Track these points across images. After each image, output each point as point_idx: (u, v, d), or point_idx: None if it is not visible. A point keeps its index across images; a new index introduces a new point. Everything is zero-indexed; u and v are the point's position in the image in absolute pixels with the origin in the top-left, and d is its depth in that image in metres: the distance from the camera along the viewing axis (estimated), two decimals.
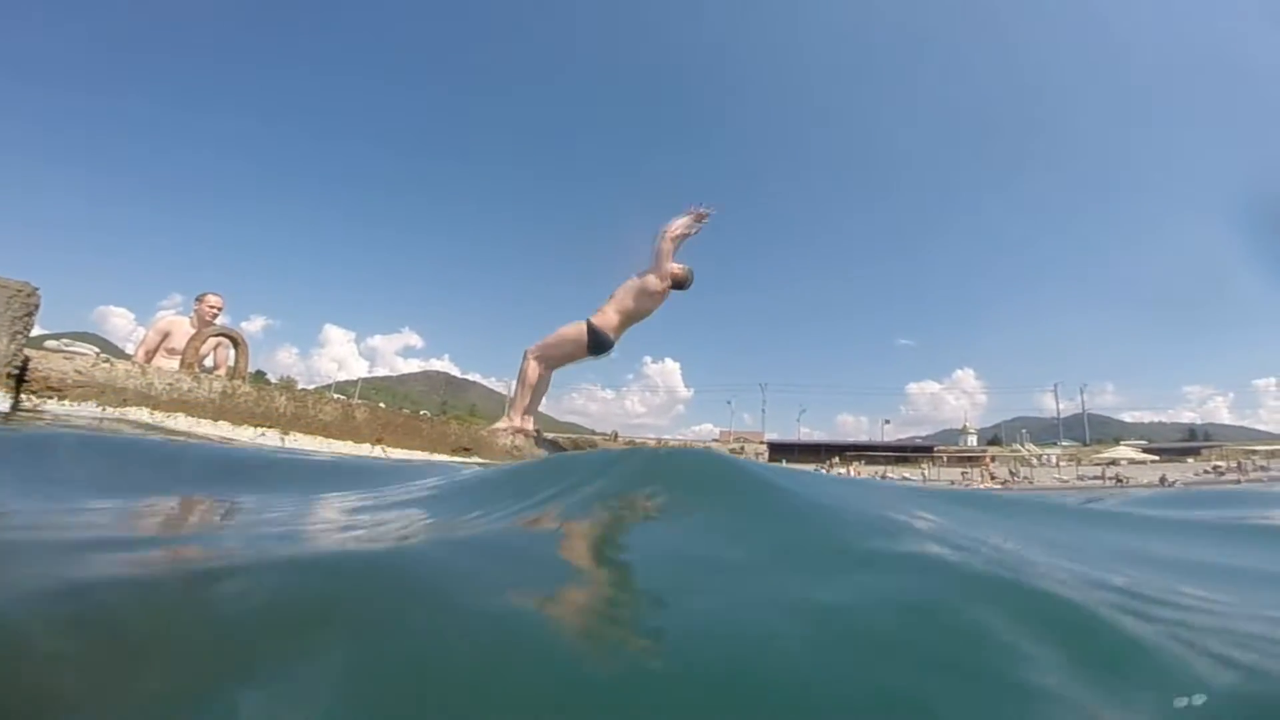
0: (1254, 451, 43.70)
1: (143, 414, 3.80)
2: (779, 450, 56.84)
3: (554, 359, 5.84)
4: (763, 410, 70.63)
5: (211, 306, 6.53)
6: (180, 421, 3.94)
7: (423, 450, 6.78)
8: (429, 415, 7.33)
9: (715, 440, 67.09)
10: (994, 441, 65.15)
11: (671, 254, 5.55)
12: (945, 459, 50.47)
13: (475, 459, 7.20)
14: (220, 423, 4.13)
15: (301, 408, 4.92)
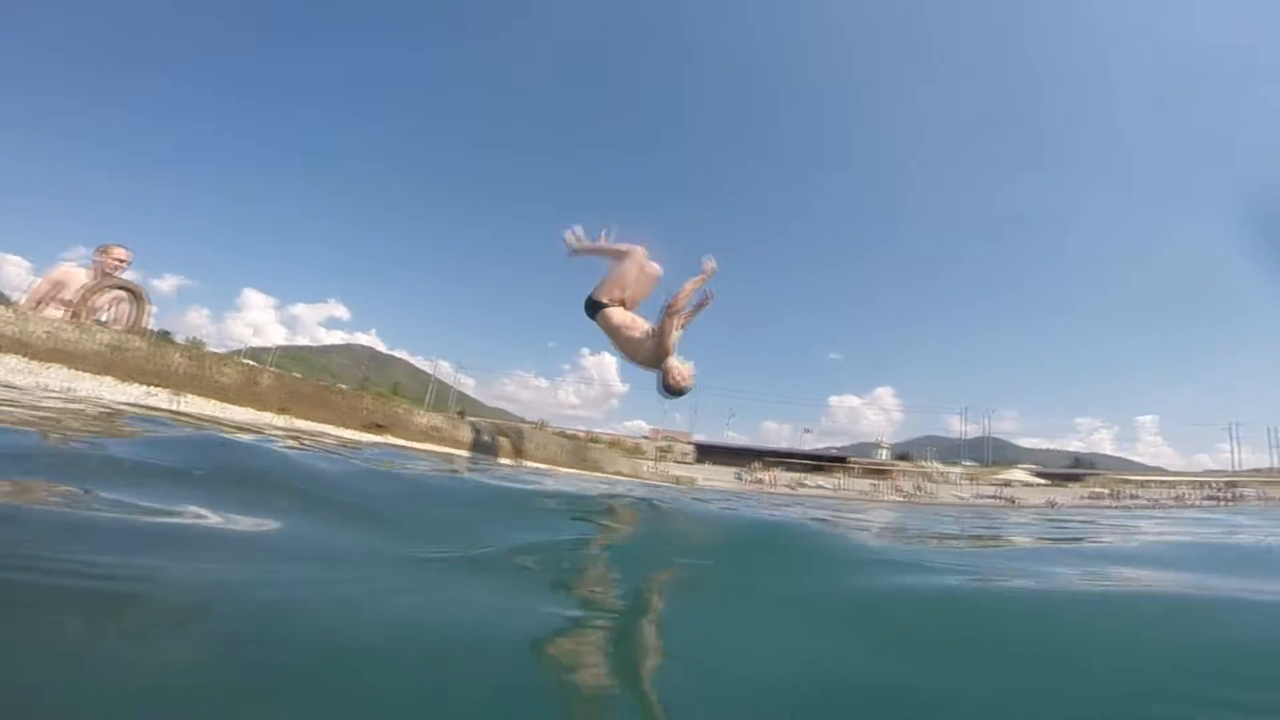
0: (1128, 480, 48.28)
1: (12, 361, 3.52)
2: (705, 451, 57.96)
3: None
4: (694, 410, 71.66)
5: (115, 259, 6.06)
6: (54, 375, 3.66)
7: (332, 424, 6.57)
8: (345, 389, 7.07)
9: (645, 437, 67.73)
10: (904, 457, 68.80)
11: (677, 332, 4.54)
12: (858, 470, 52.87)
13: (389, 437, 7.02)
14: (104, 378, 3.87)
15: (199, 368, 4.68)
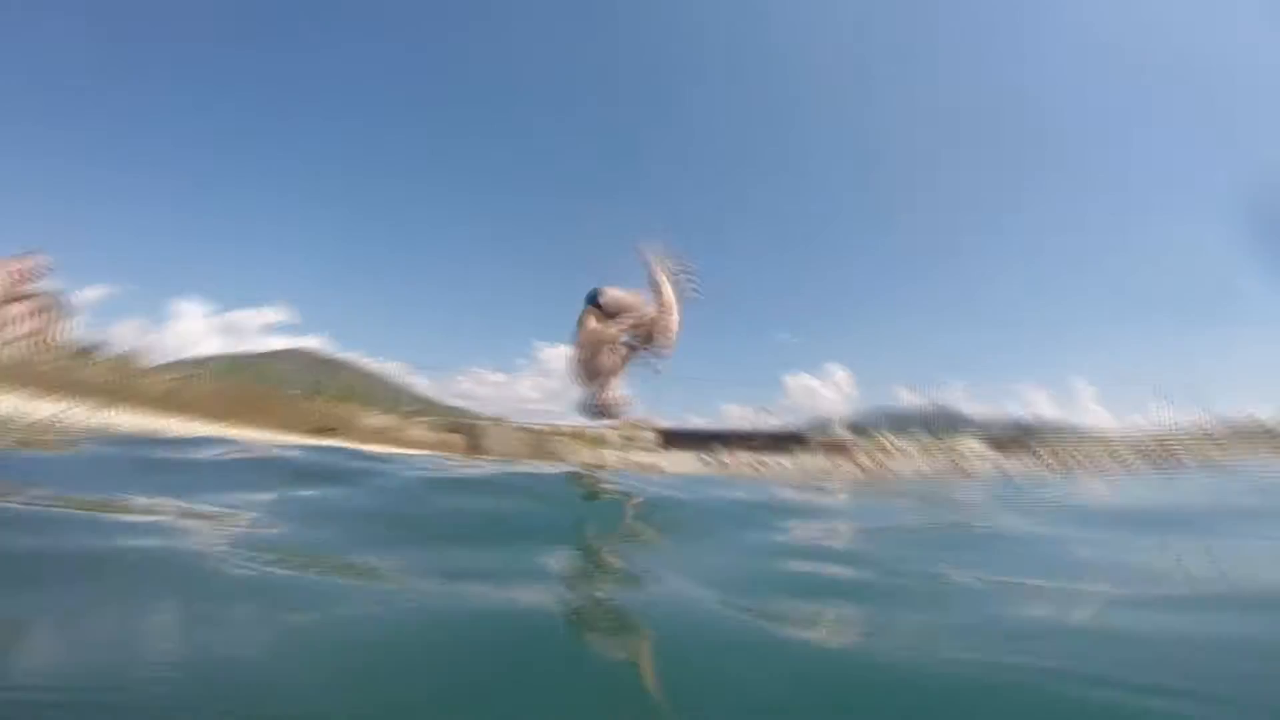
0: (1071, 445, 50.80)
1: None
2: (669, 437, 57.88)
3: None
4: (656, 397, 71.62)
5: (27, 269, 5.60)
6: None
7: (276, 430, 6.32)
8: (290, 394, 6.80)
9: (608, 426, 67.48)
10: (859, 430, 70.48)
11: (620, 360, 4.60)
12: (817, 447, 53.92)
13: (339, 440, 6.78)
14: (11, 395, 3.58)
15: (124, 379, 4.40)
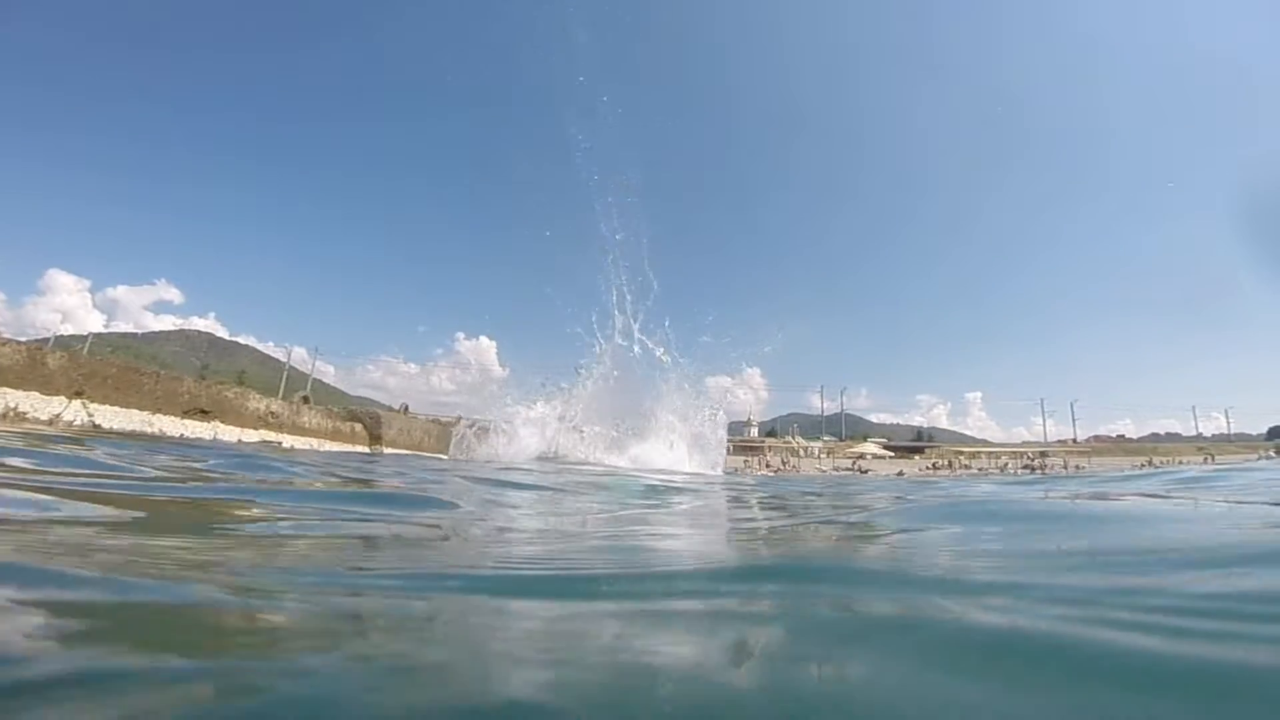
0: (961, 452, 55.24)
1: None
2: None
3: None
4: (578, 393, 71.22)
5: None
6: None
7: (145, 410, 5.73)
8: (160, 371, 6.16)
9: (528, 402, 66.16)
10: (771, 433, 73.11)
11: None
12: (731, 448, 55.62)
13: (218, 423, 6.21)
14: None
15: None
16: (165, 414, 5.75)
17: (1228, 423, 72.65)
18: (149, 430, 6.26)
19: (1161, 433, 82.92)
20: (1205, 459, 51.05)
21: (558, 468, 8.56)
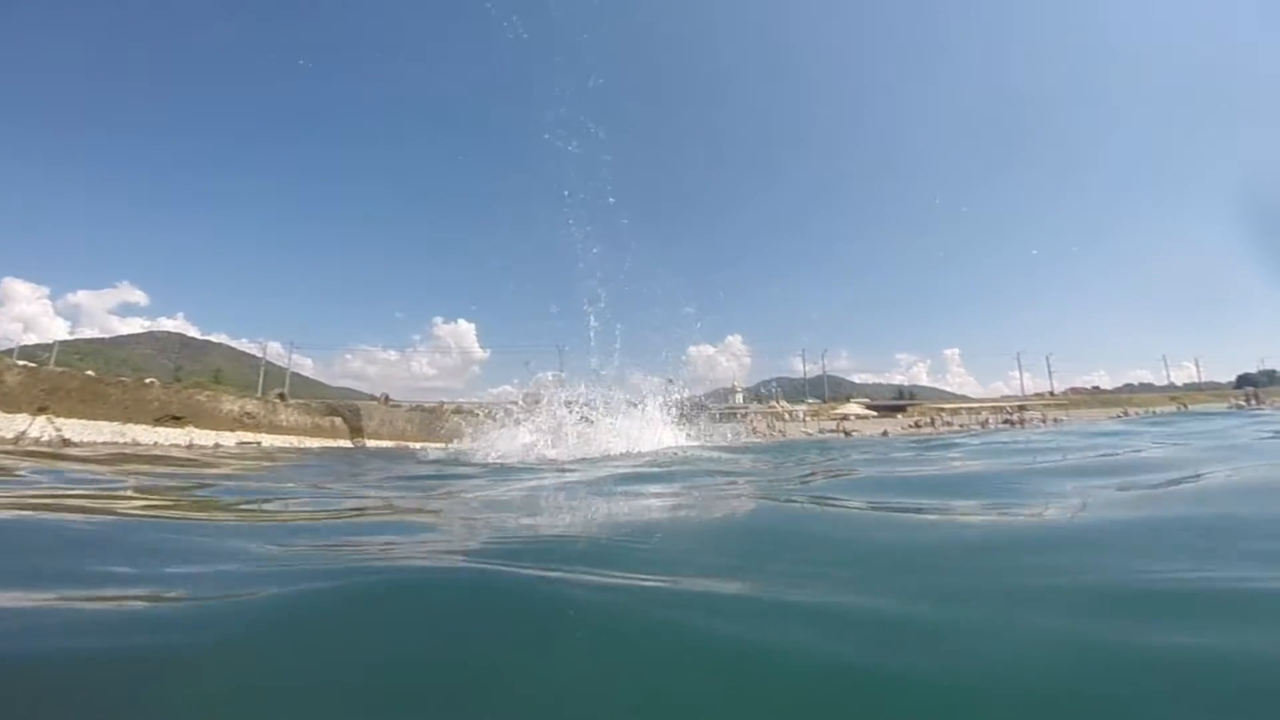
0: (942, 409, 56.27)
1: None
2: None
3: None
4: (561, 373, 71.23)
5: None
6: None
7: (115, 420, 5.59)
8: (126, 380, 5.99)
9: (513, 403, 66.14)
10: (757, 398, 73.85)
11: None
12: (717, 415, 56.06)
13: (192, 428, 6.07)
14: None
15: None
16: (136, 423, 5.59)
17: (1198, 371, 74.74)
18: (122, 440, 6.10)
19: (1135, 383, 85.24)
20: (1178, 408, 52.53)
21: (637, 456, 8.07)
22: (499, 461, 7.36)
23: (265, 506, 3.55)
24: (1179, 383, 74.20)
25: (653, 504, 3.56)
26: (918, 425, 46.44)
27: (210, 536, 2.58)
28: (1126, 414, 50.22)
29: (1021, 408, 49.29)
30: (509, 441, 9.70)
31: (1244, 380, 71.32)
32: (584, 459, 7.53)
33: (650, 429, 11.15)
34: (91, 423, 5.29)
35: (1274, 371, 74.33)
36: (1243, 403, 50.76)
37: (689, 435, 12.59)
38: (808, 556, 2.02)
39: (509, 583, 1.60)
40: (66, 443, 5.84)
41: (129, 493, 3.55)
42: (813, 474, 5.22)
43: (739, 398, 73.17)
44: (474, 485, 4.71)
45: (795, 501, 3.43)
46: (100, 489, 4.02)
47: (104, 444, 5.84)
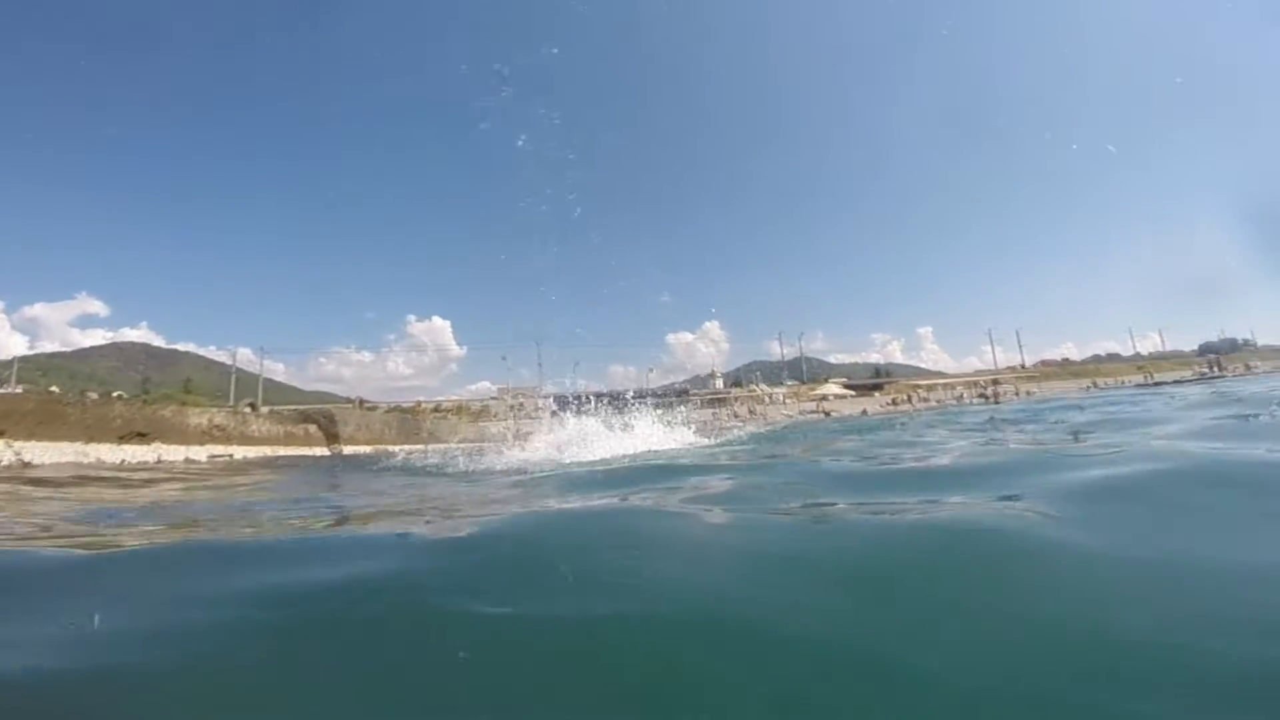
0: (919, 386, 57.23)
1: None
2: (560, 403, 57.43)
3: None
4: (539, 365, 70.89)
5: None
6: None
7: (77, 440, 5.43)
8: (92, 397, 5.80)
9: (493, 398, 65.72)
10: (736, 383, 74.38)
11: None
12: (699, 401, 56.31)
13: (159, 444, 5.91)
14: None
15: None
16: (100, 441, 5.41)
17: (1162, 341, 77.15)
18: (86, 461, 5.88)
19: (1103, 354, 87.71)
20: (1145, 377, 54.07)
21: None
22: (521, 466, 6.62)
23: None
24: (1144, 352, 76.51)
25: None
26: (895, 403, 47.25)
27: None
28: (1095, 385, 51.61)
29: (995, 382, 50.32)
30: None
31: (1206, 348, 73.75)
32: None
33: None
34: (53, 444, 5.09)
35: (1234, 340, 77.03)
36: (1205, 370, 52.38)
37: (669, 423, 12.43)
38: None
39: None
40: (28, 465, 5.66)
41: None
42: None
43: (719, 383, 73.76)
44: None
45: None
46: None
47: (67, 464, 5.65)
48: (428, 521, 3.31)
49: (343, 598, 1.73)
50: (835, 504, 2.94)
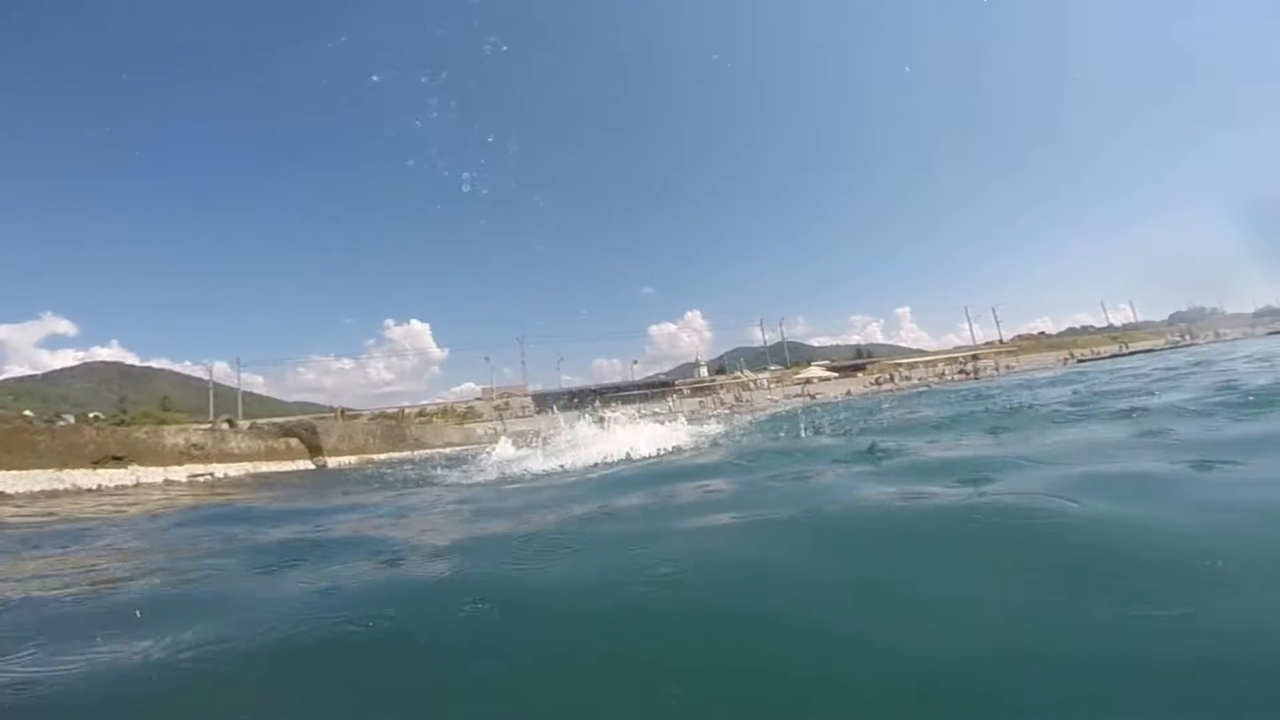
0: (900, 365, 57.90)
1: None
2: (544, 400, 57.49)
3: None
4: (522, 363, 70.55)
5: None
6: None
7: (49, 468, 5.31)
8: (66, 422, 5.66)
9: (477, 399, 65.34)
10: (721, 371, 74.71)
11: None
12: (686, 391, 56.42)
13: (136, 467, 5.78)
14: None
15: None
16: (74, 467, 5.28)
17: (1134, 312, 78.74)
18: (60, 487, 5.72)
19: (1077, 326, 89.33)
20: (1120, 347, 55.18)
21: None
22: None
23: None
24: (1118, 324, 78.09)
25: None
26: (878, 383, 47.76)
27: None
28: (1072, 356, 52.55)
29: (975, 357, 51.01)
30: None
31: (1176, 317, 75.71)
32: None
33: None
34: (25, 473, 4.96)
35: (1202, 308, 79.02)
36: (1178, 339, 53.64)
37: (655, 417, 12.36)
38: None
39: None
40: (1, 496, 5.53)
41: None
42: None
43: (703, 371, 74.02)
44: None
45: None
46: None
47: (41, 492, 5.49)
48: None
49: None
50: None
